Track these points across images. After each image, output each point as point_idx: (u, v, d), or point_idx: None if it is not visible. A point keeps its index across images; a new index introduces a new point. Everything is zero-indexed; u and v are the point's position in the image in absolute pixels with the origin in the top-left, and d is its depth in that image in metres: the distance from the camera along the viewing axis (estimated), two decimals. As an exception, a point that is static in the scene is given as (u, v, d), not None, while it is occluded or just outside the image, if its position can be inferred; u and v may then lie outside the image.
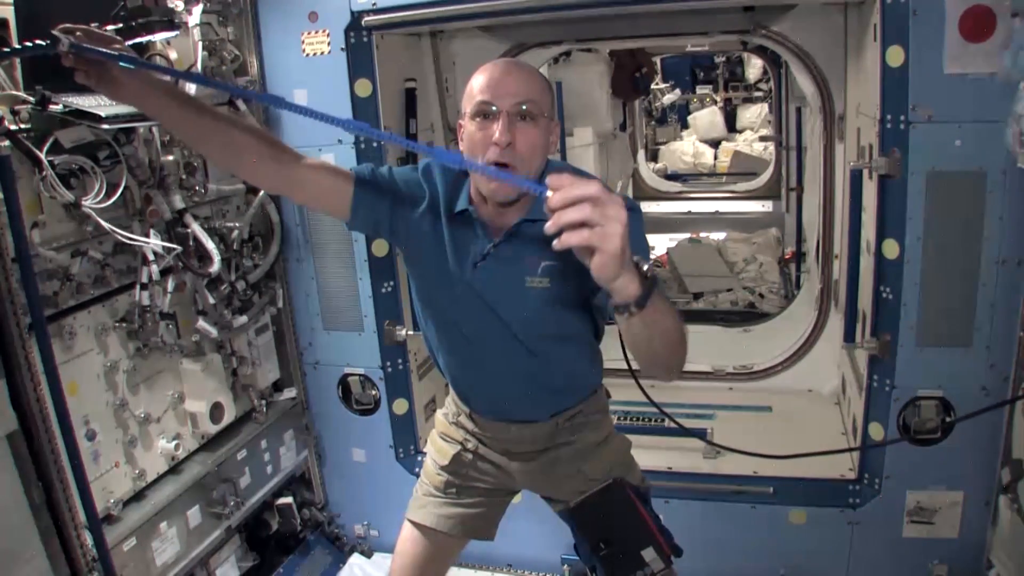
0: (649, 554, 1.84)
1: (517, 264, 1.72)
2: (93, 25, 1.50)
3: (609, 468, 1.99)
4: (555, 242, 1.13)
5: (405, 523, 2.11)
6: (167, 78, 1.65)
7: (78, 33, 1.42)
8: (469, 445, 2.06)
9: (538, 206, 1.70)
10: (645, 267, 1.27)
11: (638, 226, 1.73)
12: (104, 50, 1.40)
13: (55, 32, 1.40)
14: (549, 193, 1.13)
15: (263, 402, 2.97)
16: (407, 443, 3.14)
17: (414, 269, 1.87)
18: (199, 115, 1.58)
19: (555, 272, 1.70)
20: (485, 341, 1.82)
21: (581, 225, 1.12)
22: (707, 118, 10.57)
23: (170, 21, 2.05)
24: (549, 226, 1.13)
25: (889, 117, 2.36)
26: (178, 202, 2.43)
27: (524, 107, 1.60)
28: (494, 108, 1.60)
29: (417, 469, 3.04)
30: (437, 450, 2.11)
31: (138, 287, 2.33)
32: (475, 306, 1.77)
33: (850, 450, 2.85)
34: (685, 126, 10.84)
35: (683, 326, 1.51)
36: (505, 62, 1.69)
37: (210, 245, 2.50)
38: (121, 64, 1.41)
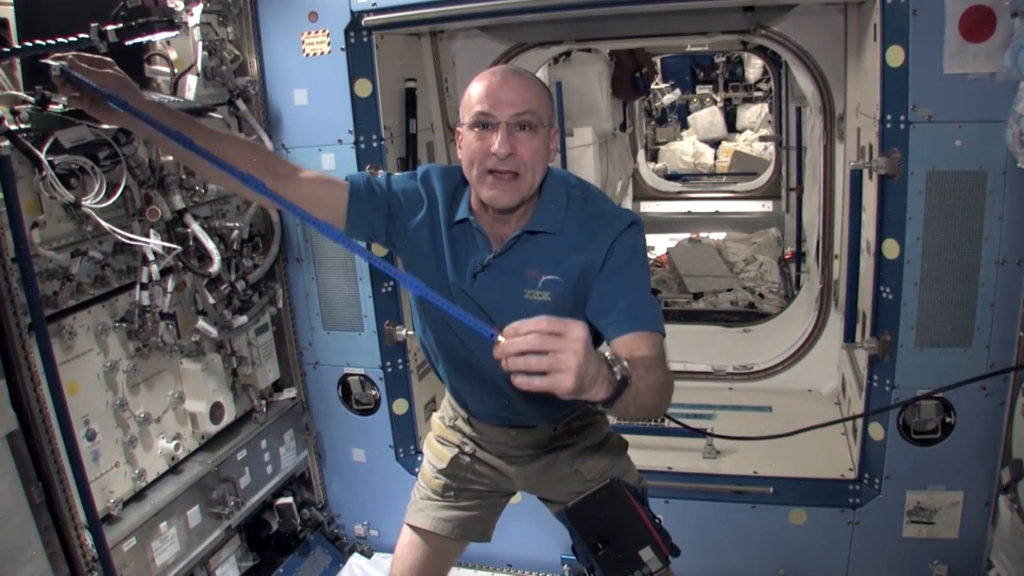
0: (647, 554, 1.84)
1: (516, 275, 1.70)
2: (92, 25, 1.50)
3: (606, 468, 1.99)
4: (512, 380, 1.12)
5: (404, 527, 2.12)
6: (154, 98, 1.65)
7: (71, 56, 1.42)
8: (466, 448, 2.06)
9: (539, 217, 1.69)
10: (616, 368, 1.25)
11: (640, 242, 1.71)
12: (92, 84, 1.40)
13: (47, 61, 1.40)
14: (501, 339, 1.12)
15: (263, 402, 2.97)
16: (407, 443, 3.15)
17: None
18: (192, 136, 1.55)
19: (556, 286, 1.68)
20: (483, 350, 1.81)
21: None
22: (707, 118, 10.58)
23: (170, 21, 2.05)
24: (504, 366, 1.12)
25: (889, 117, 2.36)
26: (178, 202, 2.43)
27: (523, 118, 1.58)
28: (493, 119, 1.58)
29: (417, 469, 3.03)
30: (434, 453, 2.11)
31: (138, 287, 2.33)
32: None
33: (852, 418, 2.83)
34: (685, 126, 10.84)
35: (664, 387, 1.46)
36: (503, 70, 1.67)
37: (210, 245, 2.50)
38: (109, 103, 1.41)
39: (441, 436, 2.11)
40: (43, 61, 1.42)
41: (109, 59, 1.50)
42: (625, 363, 1.27)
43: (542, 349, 1.10)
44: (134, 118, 1.47)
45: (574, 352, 1.11)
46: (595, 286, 1.63)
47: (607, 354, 1.24)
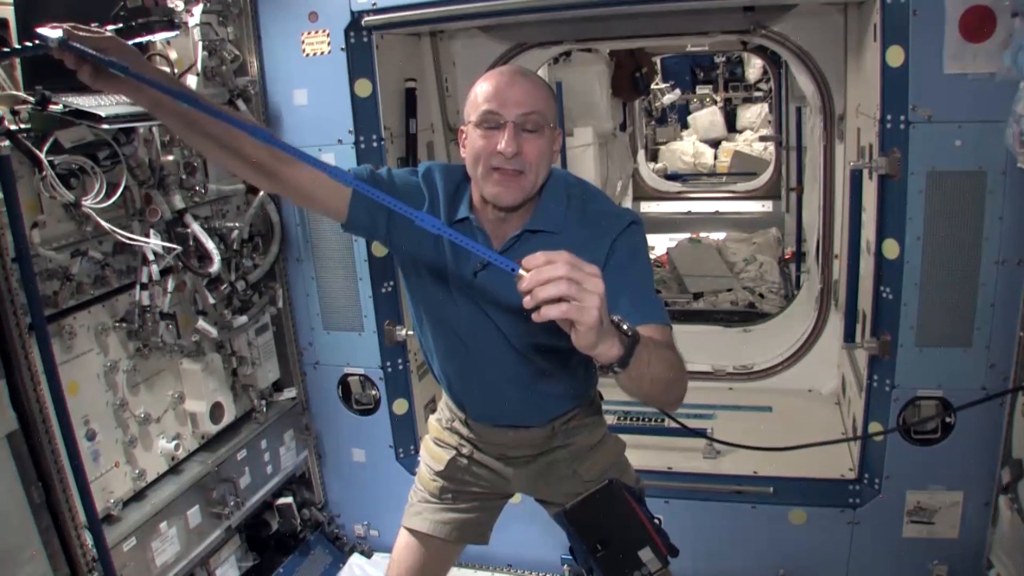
0: (646, 554, 1.83)
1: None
2: (93, 25, 1.49)
3: (604, 469, 1.99)
4: (534, 315, 1.14)
5: (401, 530, 2.11)
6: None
7: (67, 27, 1.41)
8: (464, 450, 2.05)
9: (540, 216, 1.69)
10: (625, 326, 1.28)
11: (640, 240, 1.71)
12: (93, 52, 1.38)
13: (41, 31, 1.39)
14: (522, 271, 1.13)
15: (263, 402, 2.97)
16: (407, 443, 3.15)
17: (411, 275, 1.85)
18: (198, 112, 1.53)
19: None
20: (482, 349, 1.81)
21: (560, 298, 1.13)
22: (707, 118, 10.57)
23: (170, 21, 2.05)
24: (527, 302, 1.13)
25: (889, 117, 2.36)
26: (178, 202, 2.43)
27: (530, 118, 1.59)
28: (500, 118, 1.58)
29: (417, 469, 3.05)
30: (431, 456, 2.10)
31: (138, 287, 2.33)
32: (473, 315, 1.76)
33: (851, 439, 2.84)
34: (685, 126, 10.84)
35: (677, 366, 1.49)
36: (511, 70, 1.67)
37: (210, 245, 2.50)
38: (111, 69, 1.39)
39: (438, 438, 2.11)
40: (39, 32, 1.39)
41: (102, 31, 1.47)
42: (630, 324, 1.30)
43: (570, 276, 1.12)
44: (138, 83, 1.44)
45: (594, 286, 1.14)
46: None
47: (613, 316, 1.26)
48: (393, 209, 1.73)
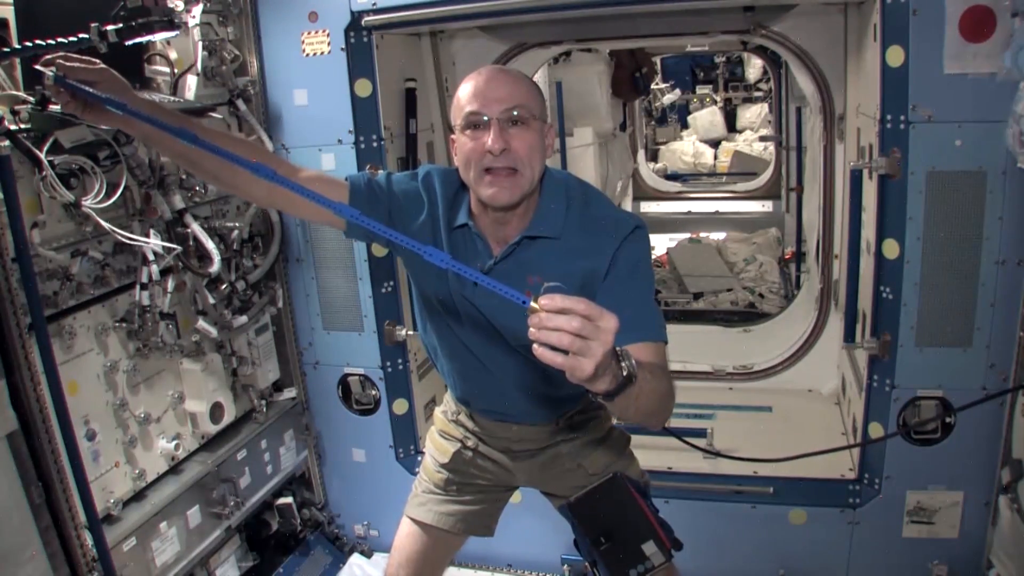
0: (650, 548, 1.83)
1: (518, 281, 1.68)
2: (92, 25, 1.50)
3: (609, 463, 1.99)
4: (532, 346, 1.13)
5: (404, 519, 2.12)
6: (154, 98, 1.63)
7: (59, 61, 1.42)
8: (469, 443, 2.06)
9: (539, 220, 1.68)
10: (624, 364, 1.24)
11: (643, 248, 1.70)
12: (90, 90, 1.39)
13: (37, 67, 1.40)
14: (534, 305, 1.11)
15: (263, 402, 2.97)
16: (407, 443, 3.15)
17: (414, 279, 1.87)
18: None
19: (559, 292, 1.67)
20: (486, 353, 1.82)
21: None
22: (707, 118, 10.57)
23: (170, 21, 2.05)
24: (531, 333, 1.12)
25: (889, 117, 2.36)
26: (178, 202, 2.43)
27: (515, 113, 1.58)
28: (484, 117, 1.57)
29: (417, 469, 3.04)
30: (437, 448, 2.11)
31: (138, 287, 2.33)
32: (475, 320, 1.77)
33: (850, 447, 2.85)
34: (685, 126, 10.84)
35: (666, 395, 1.46)
36: (489, 69, 1.67)
37: (210, 245, 2.50)
38: (108, 107, 1.39)
39: (443, 430, 2.11)
40: (36, 68, 1.41)
41: (96, 61, 1.48)
42: (633, 361, 1.27)
43: (580, 333, 1.10)
44: (132, 119, 1.45)
45: (603, 343, 1.11)
46: (599, 296, 1.62)
47: (617, 348, 1.23)
48: (391, 215, 1.75)
